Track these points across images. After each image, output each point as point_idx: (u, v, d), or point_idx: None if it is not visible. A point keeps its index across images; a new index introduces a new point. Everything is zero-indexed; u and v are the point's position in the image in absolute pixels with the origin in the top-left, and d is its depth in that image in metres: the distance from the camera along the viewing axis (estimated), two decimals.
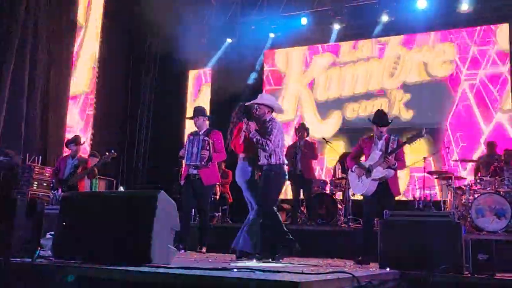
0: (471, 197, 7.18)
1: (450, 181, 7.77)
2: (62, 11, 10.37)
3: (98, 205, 3.74)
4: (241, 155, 5.51)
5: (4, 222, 3.55)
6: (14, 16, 9.18)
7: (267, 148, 5.32)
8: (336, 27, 11.20)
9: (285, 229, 5.52)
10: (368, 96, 11.07)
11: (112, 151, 7.61)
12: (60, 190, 7.41)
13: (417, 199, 8.22)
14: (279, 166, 5.43)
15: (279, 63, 12.19)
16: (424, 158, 8.29)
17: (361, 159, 5.93)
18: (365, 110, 10.97)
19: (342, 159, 9.02)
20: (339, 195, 8.97)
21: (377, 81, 11.08)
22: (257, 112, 5.49)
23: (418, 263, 4.45)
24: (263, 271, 3.40)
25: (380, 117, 5.74)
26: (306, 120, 10.90)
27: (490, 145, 8.45)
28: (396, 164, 5.55)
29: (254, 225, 5.35)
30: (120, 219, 3.57)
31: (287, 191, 8.99)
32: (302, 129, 8.66)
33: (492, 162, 7.71)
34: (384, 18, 10.68)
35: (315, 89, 11.67)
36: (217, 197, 9.28)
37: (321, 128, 11.27)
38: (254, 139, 5.30)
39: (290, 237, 5.44)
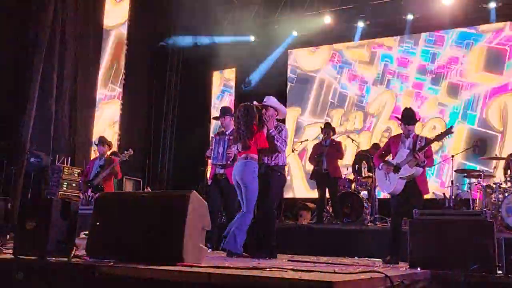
0: (501, 196, 7.06)
1: (479, 179, 7.66)
2: (88, 15, 10.51)
3: (130, 205, 3.79)
4: (250, 155, 5.53)
5: (40, 223, 3.61)
6: (42, 20, 9.34)
7: (283, 148, 5.59)
8: (361, 25, 11.12)
9: (275, 235, 5.66)
10: None
11: (130, 149, 7.74)
12: (90, 191, 7.52)
13: (447, 197, 8.11)
14: (283, 167, 5.69)
15: (302, 62, 12.16)
16: (453, 156, 8.19)
17: (388, 157, 5.89)
18: None
19: (360, 157, 9.00)
20: (364, 194, 8.91)
21: None
22: (267, 114, 5.67)
23: (449, 263, 4.39)
24: (295, 270, 3.40)
25: (408, 115, 5.69)
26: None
27: None
28: (426, 161, 5.49)
29: (244, 225, 5.47)
30: (153, 219, 3.60)
31: (311, 190, 9.00)
32: (327, 129, 8.64)
33: None
34: (410, 16, 10.58)
35: None
36: None
37: None
38: (274, 136, 5.49)
39: (274, 244, 5.59)
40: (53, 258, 3.55)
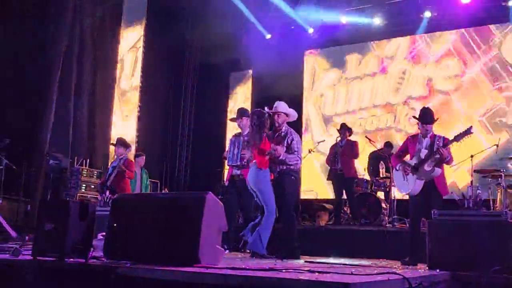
0: None
1: (499, 179, 7.53)
2: (106, 17, 10.61)
3: (147, 206, 3.80)
4: (257, 161, 5.63)
5: (58, 224, 3.64)
6: (61, 22, 9.46)
7: (298, 164, 5.78)
8: (377, 24, 11.03)
9: (296, 236, 5.76)
10: None
11: (130, 148, 7.93)
12: (107, 192, 7.57)
13: (466, 198, 7.96)
14: (296, 171, 5.84)
15: (318, 63, 12.12)
16: (472, 156, 8.06)
17: (406, 158, 5.82)
18: None
19: (377, 158, 8.91)
20: (381, 194, 8.84)
21: None
22: (278, 120, 5.80)
23: (469, 264, 4.30)
24: (312, 271, 3.38)
25: (425, 115, 5.62)
26: None
27: None
28: (449, 157, 5.41)
29: (268, 226, 5.53)
30: (169, 220, 3.60)
31: (329, 191, 8.94)
32: (343, 129, 8.60)
33: None
34: (427, 14, 10.47)
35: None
36: None
37: None
38: (285, 159, 5.63)
39: (296, 245, 5.68)
40: (71, 259, 3.57)
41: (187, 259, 3.41)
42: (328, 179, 8.79)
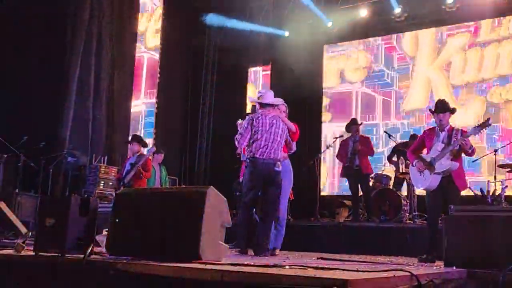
0: None
1: None
2: (124, 16, 10.65)
3: (149, 201, 3.73)
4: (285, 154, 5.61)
5: (59, 220, 3.61)
6: (79, 22, 9.54)
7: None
8: (397, 16, 10.79)
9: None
10: None
11: (154, 147, 7.90)
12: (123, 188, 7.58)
13: (485, 193, 7.71)
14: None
15: (337, 57, 11.93)
16: (495, 150, 7.81)
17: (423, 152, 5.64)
18: None
19: (398, 153, 8.70)
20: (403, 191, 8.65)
21: None
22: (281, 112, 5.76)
23: (487, 261, 4.13)
24: (316, 268, 3.27)
25: (441, 105, 5.42)
26: None
27: None
28: (472, 148, 5.22)
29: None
30: (170, 215, 3.54)
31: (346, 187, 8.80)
32: (355, 125, 8.42)
33: None
34: (449, 1, 10.15)
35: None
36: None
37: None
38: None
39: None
40: (72, 255, 3.54)
41: (187, 254, 3.34)
42: (342, 176, 8.63)
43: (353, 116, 9.99)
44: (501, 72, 10.01)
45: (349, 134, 8.51)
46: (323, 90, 11.91)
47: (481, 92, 10.14)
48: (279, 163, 5.45)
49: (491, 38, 10.20)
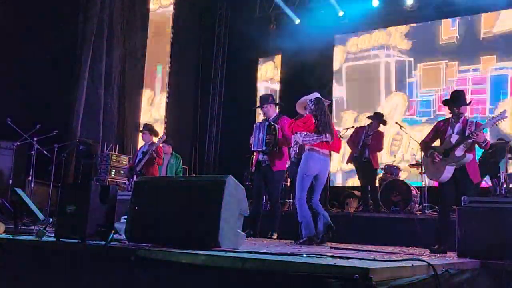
0: None
1: None
2: (135, 4, 10.66)
3: (168, 190, 3.79)
4: (326, 151, 5.59)
5: (79, 207, 3.67)
6: (91, 11, 9.56)
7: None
8: (409, 6, 10.74)
9: None
10: None
11: (164, 135, 7.98)
12: (135, 177, 7.64)
13: (498, 186, 7.72)
14: None
15: (350, 47, 11.90)
16: (508, 142, 7.79)
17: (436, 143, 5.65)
18: None
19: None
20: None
21: None
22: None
23: (500, 253, 4.16)
24: (334, 257, 3.31)
25: (458, 97, 5.42)
26: None
27: None
28: (486, 141, 5.22)
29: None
30: (189, 203, 3.58)
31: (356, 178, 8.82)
32: (377, 120, 8.40)
33: None
34: None
35: None
36: (288, 184, 9.19)
37: None
38: None
39: None
40: (93, 242, 3.60)
41: (207, 242, 3.39)
42: (348, 162, 8.65)
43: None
44: None
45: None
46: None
47: None
48: None
49: None
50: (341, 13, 11.48)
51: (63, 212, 3.75)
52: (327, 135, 5.46)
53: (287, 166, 6.70)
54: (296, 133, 5.52)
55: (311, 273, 2.69)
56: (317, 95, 5.71)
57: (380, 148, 8.39)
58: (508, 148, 7.56)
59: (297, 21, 11.96)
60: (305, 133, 5.44)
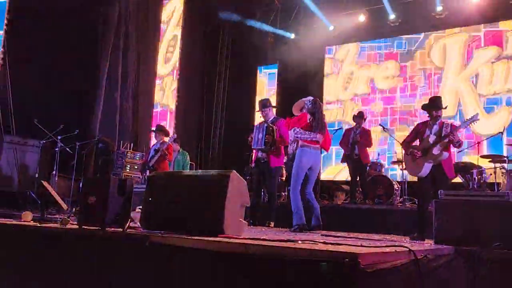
0: None
1: (504, 164, 7.28)
2: (148, 16, 10.65)
3: (178, 183, 3.79)
4: (317, 146, 5.58)
5: (99, 198, 3.67)
6: (109, 21, 9.54)
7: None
8: (392, 22, 10.76)
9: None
10: None
11: (175, 135, 8.05)
12: (148, 172, 7.65)
13: (471, 181, 7.75)
14: None
15: (338, 56, 11.90)
16: (478, 143, 7.83)
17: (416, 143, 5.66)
18: None
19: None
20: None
21: None
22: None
23: (472, 240, 4.17)
24: (326, 243, 3.32)
25: (435, 102, 5.46)
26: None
27: None
28: (461, 141, 5.25)
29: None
30: (197, 195, 3.59)
31: (345, 173, 8.82)
32: (360, 118, 8.45)
33: None
34: (439, 9, 10.11)
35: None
36: (284, 178, 9.22)
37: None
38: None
39: None
40: (111, 229, 3.60)
41: (213, 230, 3.39)
42: (342, 161, 8.68)
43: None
44: None
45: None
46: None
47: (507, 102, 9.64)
48: None
49: None
50: (331, 28, 11.50)
51: (85, 203, 3.75)
52: (318, 135, 5.45)
53: (284, 162, 6.73)
54: (292, 129, 5.54)
55: (306, 257, 2.70)
56: (312, 98, 5.73)
57: (369, 144, 8.39)
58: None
59: (292, 35, 11.98)
60: (298, 129, 5.44)
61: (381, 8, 10.70)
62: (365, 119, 8.58)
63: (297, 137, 5.45)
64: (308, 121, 5.48)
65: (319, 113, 5.50)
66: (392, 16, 10.72)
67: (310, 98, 5.68)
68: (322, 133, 5.48)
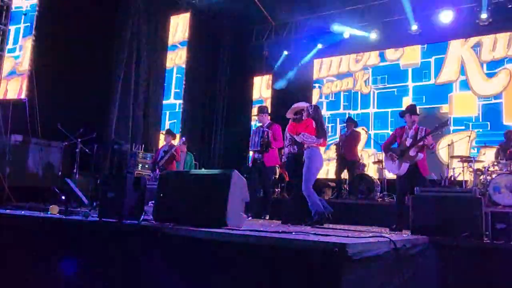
0: (489, 177, 6.73)
1: (471, 163, 7.33)
2: (157, 34, 10.63)
3: (186, 181, 3.80)
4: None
5: (117, 193, 3.68)
6: (122, 39, 9.53)
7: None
8: (373, 38, 10.79)
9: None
10: None
11: (183, 139, 8.03)
12: (157, 170, 7.64)
13: (443, 178, 7.79)
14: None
15: (323, 68, 11.92)
16: (449, 145, 7.87)
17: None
18: None
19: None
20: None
21: None
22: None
23: (444, 231, 4.21)
24: (316, 234, 3.34)
25: (412, 109, 5.50)
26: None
27: (507, 134, 7.85)
28: (433, 144, 5.29)
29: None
30: (203, 192, 3.60)
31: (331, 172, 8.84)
32: (349, 123, 8.52)
33: (509, 147, 7.20)
34: (414, 28, 10.15)
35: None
36: (277, 176, 9.25)
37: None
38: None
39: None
40: (128, 221, 3.61)
41: (217, 222, 3.41)
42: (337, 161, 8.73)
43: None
44: None
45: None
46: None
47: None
48: None
49: None
50: (320, 47, 11.52)
51: (104, 197, 3.75)
52: (322, 140, 5.45)
53: (281, 162, 6.72)
54: (299, 134, 5.41)
55: (300, 247, 2.72)
56: (314, 104, 5.72)
57: (355, 143, 8.39)
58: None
59: (285, 52, 12.01)
60: (307, 135, 5.38)
61: (363, 26, 10.73)
62: (355, 123, 8.62)
63: (305, 141, 5.39)
64: (315, 127, 5.44)
65: (321, 121, 5.47)
66: (373, 35, 10.74)
67: (306, 103, 5.68)
68: (325, 138, 5.49)
